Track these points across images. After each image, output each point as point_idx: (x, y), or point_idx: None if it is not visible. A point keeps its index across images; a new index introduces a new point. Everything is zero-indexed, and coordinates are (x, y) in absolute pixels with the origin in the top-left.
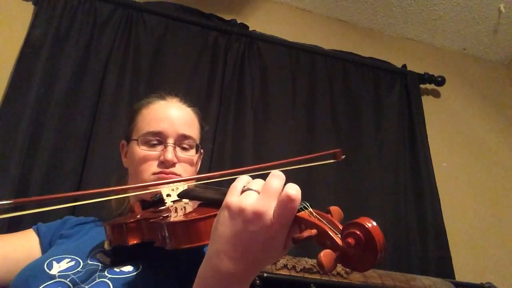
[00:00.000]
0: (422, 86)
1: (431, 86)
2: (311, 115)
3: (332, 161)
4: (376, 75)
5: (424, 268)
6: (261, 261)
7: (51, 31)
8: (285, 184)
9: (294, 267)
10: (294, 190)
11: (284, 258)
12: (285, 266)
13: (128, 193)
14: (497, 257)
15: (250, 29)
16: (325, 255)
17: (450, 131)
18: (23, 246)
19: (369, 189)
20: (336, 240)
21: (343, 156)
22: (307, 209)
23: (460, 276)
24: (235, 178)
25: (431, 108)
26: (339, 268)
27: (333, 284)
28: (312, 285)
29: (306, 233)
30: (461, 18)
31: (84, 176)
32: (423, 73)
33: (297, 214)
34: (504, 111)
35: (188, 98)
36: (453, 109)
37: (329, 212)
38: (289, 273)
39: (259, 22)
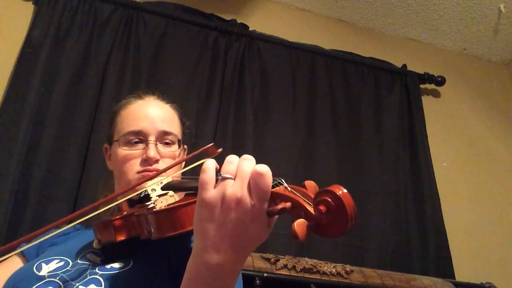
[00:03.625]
0: (422, 86)
1: (431, 86)
2: (311, 115)
3: (205, 159)
4: (376, 75)
5: (424, 268)
6: (249, 246)
7: (51, 31)
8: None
9: (294, 267)
10: (262, 166)
11: (284, 258)
12: (285, 266)
13: (118, 200)
14: (497, 257)
15: (250, 29)
16: (298, 224)
17: (450, 131)
18: (7, 272)
19: (369, 189)
20: (309, 209)
21: (219, 150)
22: (282, 184)
23: (460, 276)
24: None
25: (431, 108)
26: (339, 268)
27: (333, 284)
28: (312, 285)
29: (280, 206)
30: (461, 18)
31: (84, 176)
32: (423, 73)
33: (272, 189)
34: (504, 111)
35: (166, 96)
36: (453, 109)
37: (304, 186)
38: (289, 273)
39: (259, 22)
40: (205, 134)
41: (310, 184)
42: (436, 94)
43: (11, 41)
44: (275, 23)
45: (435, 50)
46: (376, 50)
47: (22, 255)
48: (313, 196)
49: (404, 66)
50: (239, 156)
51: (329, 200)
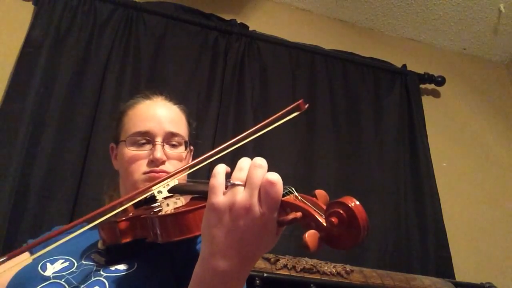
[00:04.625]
0: (422, 86)
1: (431, 86)
2: (311, 115)
3: (297, 113)
4: (376, 75)
5: (424, 268)
6: (256, 254)
7: (51, 31)
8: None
9: (294, 267)
10: (274, 174)
11: (284, 258)
12: (285, 266)
13: (124, 205)
14: (497, 257)
15: (250, 29)
16: (309, 235)
17: (450, 131)
18: (13, 269)
19: (369, 189)
20: (320, 220)
21: (307, 105)
22: (293, 193)
23: (460, 276)
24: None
25: (431, 108)
26: (339, 268)
27: (333, 284)
28: (312, 285)
29: (291, 216)
30: (461, 18)
31: (84, 176)
32: (423, 73)
33: (283, 198)
34: (504, 111)
35: (174, 96)
36: (453, 109)
37: (314, 195)
38: (289, 273)
39: (259, 22)
40: (205, 134)
41: (321, 193)
42: (436, 94)
43: (11, 41)
44: (275, 23)
45: (435, 50)
46: (376, 50)
47: (30, 253)
48: (324, 207)
49: (404, 66)
50: (251, 158)
51: (341, 212)
